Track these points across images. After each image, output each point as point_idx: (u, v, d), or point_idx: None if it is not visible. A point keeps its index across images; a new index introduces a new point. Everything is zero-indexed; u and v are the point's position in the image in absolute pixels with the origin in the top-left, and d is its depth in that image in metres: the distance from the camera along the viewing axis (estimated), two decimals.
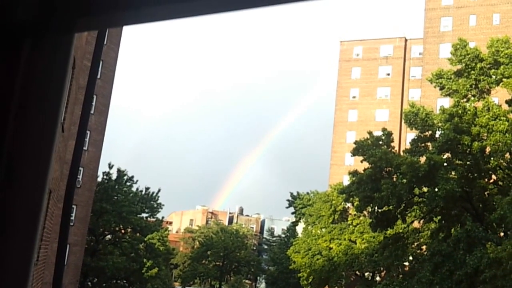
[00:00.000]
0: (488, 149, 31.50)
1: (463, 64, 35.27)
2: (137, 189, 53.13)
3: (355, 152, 36.94)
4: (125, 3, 1.16)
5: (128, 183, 51.95)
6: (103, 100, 41.10)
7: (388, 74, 73.53)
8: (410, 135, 44.53)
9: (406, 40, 73.92)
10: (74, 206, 38.84)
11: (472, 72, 34.89)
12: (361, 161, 36.06)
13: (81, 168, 39.11)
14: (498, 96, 36.10)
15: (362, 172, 34.85)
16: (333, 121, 75.29)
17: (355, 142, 37.44)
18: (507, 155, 31.65)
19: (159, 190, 54.63)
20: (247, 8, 1.13)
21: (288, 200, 67.88)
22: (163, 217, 58.90)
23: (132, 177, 52.30)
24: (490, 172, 32.66)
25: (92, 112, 39.16)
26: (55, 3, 1.18)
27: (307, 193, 66.83)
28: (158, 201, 54.38)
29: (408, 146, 38.73)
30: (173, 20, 1.19)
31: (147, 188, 54.03)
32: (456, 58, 35.72)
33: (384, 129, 37.91)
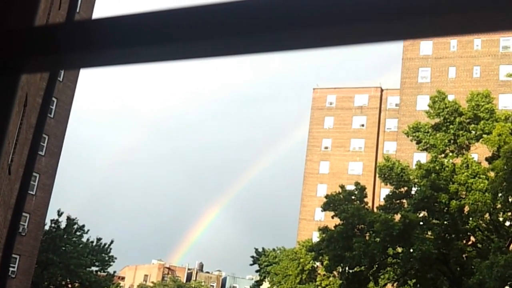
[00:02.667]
0: (466, 209, 31.86)
1: (442, 118, 35.97)
2: (87, 239, 52.56)
3: (325, 207, 36.96)
4: (74, 45, 1.19)
5: (78, 233, 51.33)
6: (55, 141, 40.58)
7: (363, 125, 74.60)
8: (385, 190, 44.89)
9: (382, 90, 75.43)
10: (17, 256, 37.79)
11: (451, 126, 35.58)
12: (332, 217, 36.07)
13: (27, 215, 38.27)
14: (477, 152, 36.80)
15: (333, 228, 34.79)
16: (303, 172, 75.59)
17: (326, 196, 37.52)
18: (487, 215, 32.03)
19: (111, 242, 53.93)
20: (209, 58, 1.16)
21: (253, 257, 67.21)
22: (115, 272, 57.93)
23: (83, 226, 51.74)
24: (468, 233, 32.94)
25: (42, 153, 38.56)
26: (1, 43, 1.21)
27: (273, 249, 66.34)
28: (110, 254, 53.69)
29: (382, 202, 38.98)
30: (129, 65, 1.21)
31: (98, 239, 53.39)
32: (434, 111, 36.43)
33: (357, 183, 38.14)
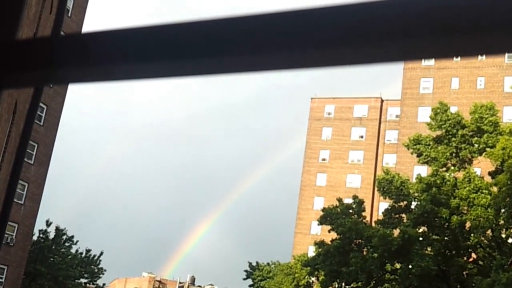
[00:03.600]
0: (468, 224, 31.77)
1: (443, 130, 35.91)
2: (76, 250, 52.61)
3: (322, 221, 36.88)
4: (56, 61, 1.17)
5: (67, 244, 51.38)
6: (44, 150, 40.44)
7: (362, 137, 74.54)
8: (383, 204, 44.81)
9: (382, 101, 75.40)
10: (4, 267, 37.73)
11: (453, 139, 35.52)
12: (329, 231, 35.97)
13: (15, 225, 38.16)
14: (480, 166, 36.76)
15: (330, 243, 34.70)
16: (299, 184, 75.45)
17: (323, 209, 37.45)
18: (489, 232, 31.94)
19: (101, 253, 53.93)
20: (199, 76, 1.16)
21: (246, 271, 66.92)
22: (104, 284, 57.79)
23: (72, 237, 51.73)
24: (469, 250, 32.85)
25: (31, 162, 38.38)
26: None
27: (268, 263, 66.09)
28: (100, 266, 53.65)
29: (380, 216, 38.88)
30: (114, 81, 1.21)
31: (88, 250, 53.43)
32: (435, 123, 36.39)
33: (355, 197, 38.07)
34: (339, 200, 37.55)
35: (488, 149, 33.59)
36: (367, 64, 1.03)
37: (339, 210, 36.43)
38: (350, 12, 0.98)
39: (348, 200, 38.25)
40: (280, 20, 1.05)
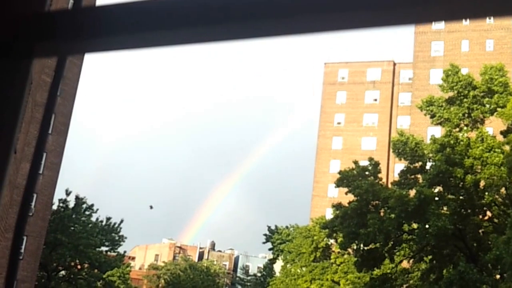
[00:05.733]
0: (482, 183, 31.87)
1: (455, 92, 35.84)
2: (97, 219, 52.70)
3: (339, 183, 37.04)
4: (87, 31, 1.25)
5: (87, 212, 51.31)
6: (62, 119, 40.75)
7: (376, 100, 74.39)
8: (399, 165, 44.95)
9: (394, 64, 75.07)
10: (24, 237, 38.06)
11: (465, 100, 35.46)
12: (346, 193, 36.17)
13: (34, 194, 38.49)
14: (492, 126, 36.69)
15: (347, 205, 34.92)
16: (315, 148, 75.66)
17: (339, 172, 37.58)
18: (503, 190, 32.04)
19: (121, 221, 54.21)
20: (215, 42, 1.21)
21: (265, 235, 67.71)
22: (125, 252, 58.30)
23: (92, 205, 51.73)
24: (484, 208, 32.98)
25: (50, 132, 38.75)
26: (12, 28, 1.27)
27: (286, 227, 66.78)
28: (120, 233, 53.93)
29: (396, 177, 39.03)
30: (137, 50, 1.28)
31: (108, 218, 53.58)
32: (447, 84, 36.29)
33: (370, 159, 38.15)
34: (355, 162, 37.63)
35: (499, 109, 33.56)
36: (380, 28, 1.06)
37: (355, 172, 36.54)
38: None
39: (364, 163, 38.33)
40: None
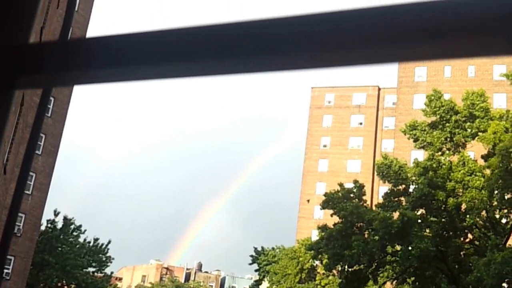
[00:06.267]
0: (463, 206, 32.13)
1: (438, 116, 36.33)
2: (84, 239, 52.23)
3: (324, 205, 37.15)
4: (71, 64, 1.25)
5: (74, 233, 50.94)
6: (52, 140, 40.64)
7: (361, 123, 74.91)
8: (383, 188, 45.12)
9: (379, 89, 75.84)
10: (11, 258, 37.66)
11: (447, 124, 35.93)
12: (331, 215, 36.25)
13: (22, 215, 38.15)
14: (473, 150, 37.10)
15: (332, 227, 34.98)
16: (302, 170, 75.83)
17: (325, 194, 37.70)
18: (483, 213, 32.32)
19: (109, 242, 53.78)
20: (199, 77, 1.22)
21: (252, 256, 67.44)
22: (112, 272, 57.78)
23: (80, 226, 51.40)
24: (466, 231, 33.22)
25: (39, 152, 38.64)
26: None
27: (273, 248, 66.57)
28: (108, 254, 53.47)
29: (380, 200, 39.21)
30: (124, 82, 1.29)
31: (95, 239, 53.16)
32: (430, 109, 36.77)
33: (355, 181, 38.33)
34: (341, 185, 37.78)
35: (480, 133, 34.09)
36: (363, 66, 1.07)
37: (340, 194, 36.67)
38: (345, 18, 1.06)
39: (349, 185, 38.50)
40: (280, 25, 1.10)
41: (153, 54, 1.18)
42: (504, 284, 28.27)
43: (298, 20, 1.10)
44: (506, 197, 31.16)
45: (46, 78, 1.30)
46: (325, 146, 75.45)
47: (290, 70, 1.14)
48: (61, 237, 49.24)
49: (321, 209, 39.58)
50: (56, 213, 50.10)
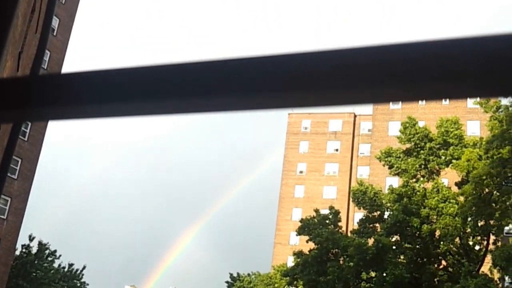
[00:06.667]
0: (437, 233, 32.32)
1: (412, 143, 36.65)
2: (59, 265, 51.74)
3: (300, 231, 37.09)
4: (40, 100, 1.22)
5: (49, 258, 50.49)
6: (29, 165, 40.17)
7: (337, 150, 75.26)
8: (358, 214, 45.23)
9: (355, 116, 76.44)
10: None
11: (422, 151, 36.23)
12: (307, 241, 36.19)
13: None
14: (447, 177, 37.41)
15: (308, 253, 34.90)
16: (278, 196, 75.73)
17: (301, 220, 37.66)
18: (457, 239, 32.52)
19: (84, 267, 53.27)
20: (173, 115, 1.19)
21: (227, 282, 66.84)
22: None
23: (55, 251, 50.97)
24: (440, 257, 33.35)
25: (15, 177, 38.16)
26: None
27: (248, 274, 66.08)
28: (82, 280, 52.91)
29: (356, 226, 39.26)
30: (95, 119, 1.24)
31: (70, 265, 52.73)
32: (405, 136, 37.10)
33: (331, 207, 38.39)
34: (316, 211, 37.81)
35: (454, 160, 34.42)
36: (340, 106, 1.06)
37: (316, 220, 36.67)
38: (324, 58, 1.04)
39: (324, 211, 38.53)
40: (263, 63, 1.08)
41: (123, 92, 1.16)
42: None
43: (265, 60, 1.08)
44: (479, 224, 31.43)
45: (14, 113, 1.28)
46: (301, 172, 75.53)
47: (263, 109, 1.13)
48: (36, 262, 48.79)
49: (297, 235, 39.51)
50: (31, 238, 49.78)
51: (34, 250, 49.64)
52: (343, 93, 1.05)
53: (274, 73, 1.07)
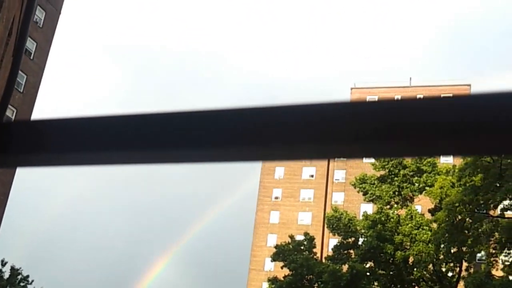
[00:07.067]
0: (411, 259, 32.40)
1: (387, 170, 36.92)
2: None
3: (275, 257, 36.96)
4: (7, 147, 1.19)
5: (21, 283, 49.51)
6: (2, 189, 39.50)
7: (312, 176, 75.38)
8: (333, 240, 45.19)
9: None
10: None
11: (396, 178, 36.51)
12: (282, 267, 36.05)
13: None
14: (421, 204, 37.68)
15: (282, 279, 34.73)
16: (253, 222, 75.41)
17: (276, 246, 37.56)
18: (430, 266, 32.63)
19: None
20: (147, 165, 1.17)
21: None
22: None
23: (27, 276, 50.03)
24: (413, 284, 33.39)
25: None
26: None
27: None
28: None
29: (330, 252, 39.22)
30: (65, 167, 1.23)
31: None
32: (379, 163, 37.36)
33: (306, 234, 38.35)
34: (291, 237, 37.75)
35: (427, 187, 34.73)
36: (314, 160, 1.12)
37: (291, 246, 36.60)
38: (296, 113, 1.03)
39: (299, 237, 38.47)
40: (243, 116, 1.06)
41: (93, 141, 1.13)
42: None
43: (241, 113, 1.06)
44: (452, 251, 31.61)
45: None
46: (276, 198, 75.42)
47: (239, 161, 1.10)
48: (8, 287, 47.79)
49: (271, 261, 39.36)
50: (3, 263, 48.82)
51: (6, 275, 48.70)
52: (310, 147, 1.03)
53: (239, 126, 1.05)
